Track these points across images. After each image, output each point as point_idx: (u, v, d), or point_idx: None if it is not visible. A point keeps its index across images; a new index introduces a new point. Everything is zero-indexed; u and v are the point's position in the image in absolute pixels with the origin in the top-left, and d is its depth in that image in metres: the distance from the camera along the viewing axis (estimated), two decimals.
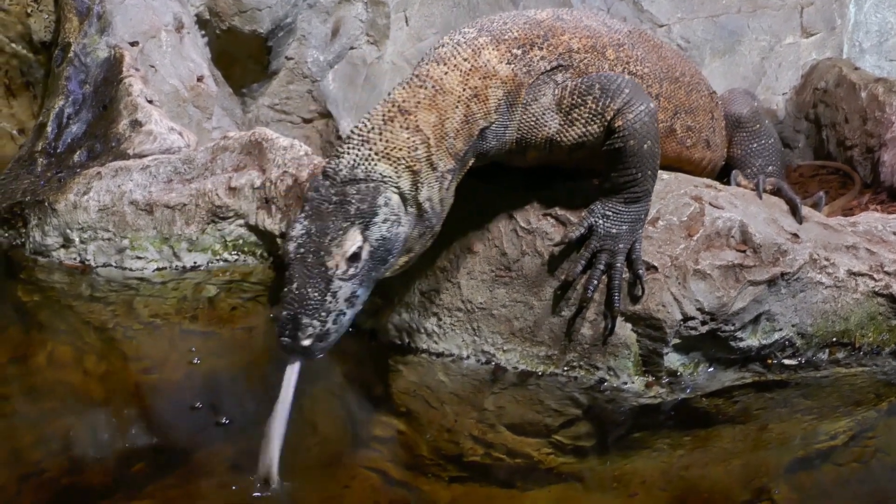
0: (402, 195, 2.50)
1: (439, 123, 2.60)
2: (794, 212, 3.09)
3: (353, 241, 2.38)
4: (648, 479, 2.38)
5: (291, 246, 2.41)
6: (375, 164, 2.48)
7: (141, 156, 3.97)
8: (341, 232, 2.38)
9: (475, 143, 2.71)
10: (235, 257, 3.78)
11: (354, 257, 2.38)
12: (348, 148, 2.52)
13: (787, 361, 2.88)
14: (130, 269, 3.69)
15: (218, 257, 3.77)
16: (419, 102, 2.60)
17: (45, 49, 4.97)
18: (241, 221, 3.76)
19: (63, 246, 3.77)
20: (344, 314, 2.39)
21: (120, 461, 2.44)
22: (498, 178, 3.03)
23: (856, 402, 2.71)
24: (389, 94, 2.66)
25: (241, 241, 3.78)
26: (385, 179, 2.47)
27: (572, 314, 2.81)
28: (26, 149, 4.35)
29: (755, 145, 3.76)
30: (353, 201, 2.42)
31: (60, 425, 2.59)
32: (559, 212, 2.91)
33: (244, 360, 3.06)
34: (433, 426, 2.64)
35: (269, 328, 3.26)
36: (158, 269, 3.70)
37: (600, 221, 2.78)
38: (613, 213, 2.79)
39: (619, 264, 2.74)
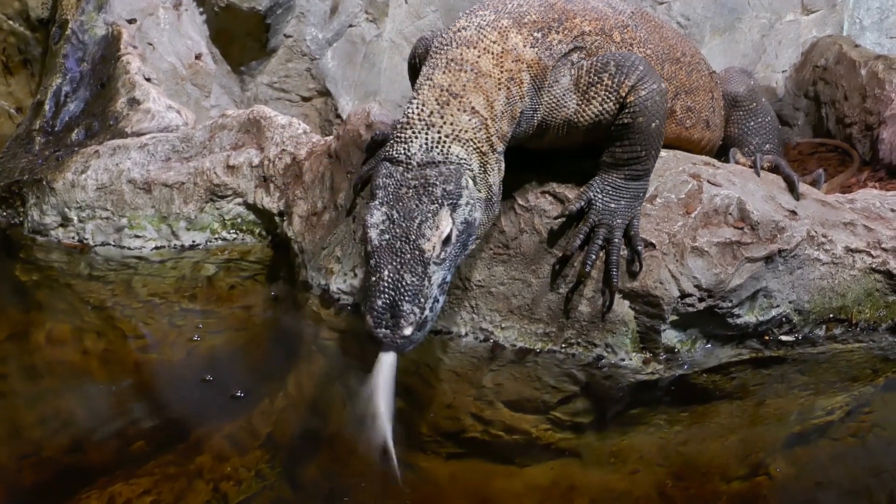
0: (474, 178, 2.47)
1: (488, 105, 2.58)
2: (792, 188, 3.09)
3: (448, 222, 2.33)
4: (646, 455, 2.40)
5: (373, 233, 2.32)
6: (450, 147, 2.44)
7: (139, 134, 3.97)
8: (431, 214, 2.32)
9: (514, 126, 2.70)
10: (234, 236, 3.78)
11: (447, 240, 2.33)
12: (413, 133, 2.46)
13: (784, 338, 2.88)
14: (129, 248, 3.70)
15: (216, 236, 3.77)
16: (465, 86, 2.58)
17: (43, 26, 4.94)
18: (240, 200, 3.76)
19: (61, 225, 3.78)
20: (438, 301, 2.32)
21: (119, 439, 2.45)
22: None
23: (852, 377, 2.72)
24: (428, 80, 2.61)
25: (239, 220, 3.78)
26: (461, 161, 2.44)
27: (570, 291, 2.81)
28: (24, 127, 4.34)
29: (752, 123, 3.76)
30: (438, 183, 2.37)
31: (60, 404, 2.60)
32: (557, 189, 2.91)
33: (243, 339, 3.06)
34: (432, 403, 2.65)
35: (267, 306, 3.27)
36: (157, 248, 3.70)
37: (599, 196, 2.79)
38: (613, 188, 2.79)
39: (616, 240, 2.74)
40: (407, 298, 2.21)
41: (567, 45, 2.85)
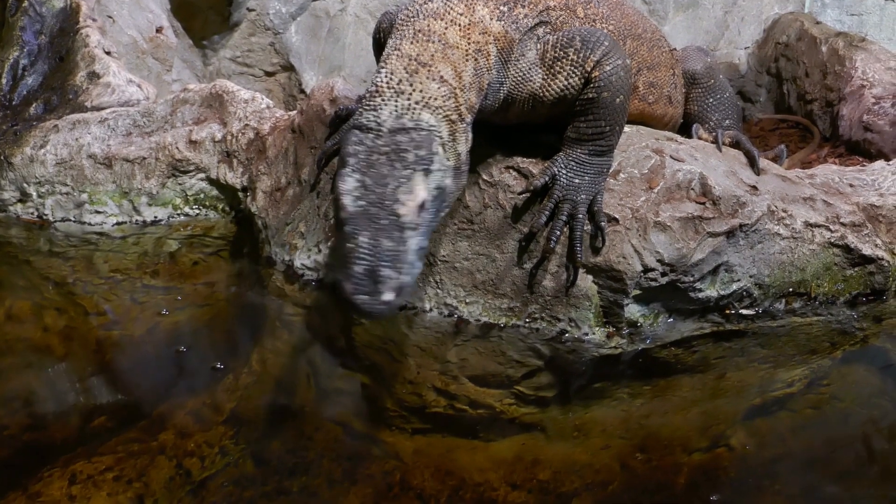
0: (443, 146, 2.46)
1: (457, 76, 2.57)
2: (752, 163, 3.13)
3: (423, 187, 2.32)
4: (609, 428, 2.42)
5: (348, 200, 2.29)
6: (420, 114, 2.43)
7: (99, 108, 3.92)
8: (405, 180, 2.30)
9: (481, 98, 2.70)
10: (197, 211, 3.75)
11: (423, 205, 2.32)
12: (382, 101, 2.45)
13: (744, 311, 2.92)
14: (90, 224, 3.65)
15: (179, 212, 3.74)
16: (433, 55, 2.57)
17: None
18: (203, 175, 3.73)
19: (20, 200, 3.72)
20: (415, 267, 2.30)
21: (81, 416, 2.43)
22: None
23: (811, 350, 2.75)
24: (396, 50, 2.59)
25: (202, 196, 3.75)
26: (432, 128, 2.43)
27: (534, 266, 2.82)
28: None
29: (711, 100, 3.81)
30: (410, 149, 2.35)
31: (20, 382, 2.58)
32: (521, 164, 2.91)
33: (207, 315, 3.05)
34: (396, 378, 2.65)
35: (231, 282, 3.25)
36: (118, 224, 3.67)
37: (563, 171, 2.80)
38: (577, 163, 2.80)
39: (580, 215, 2.75)
40: (386, 263, 2.20)
41: (533, 19, 2.84)
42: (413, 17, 2.70)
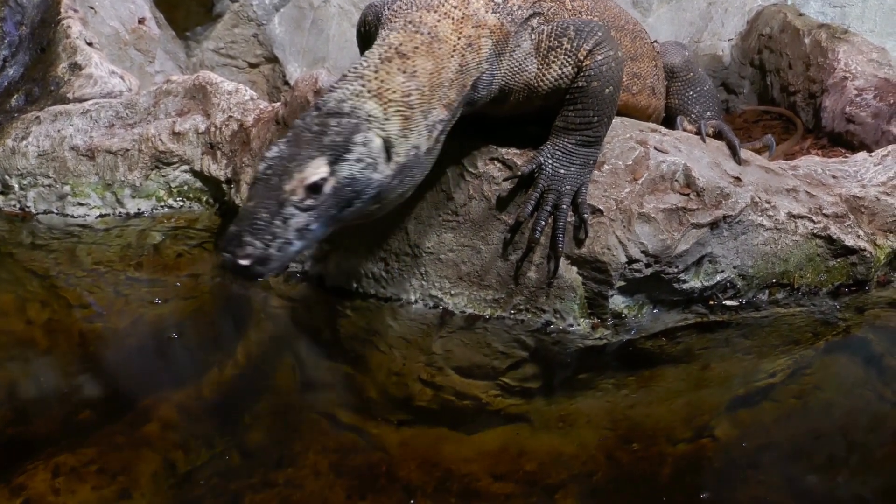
0: (387, 139, 2.44)
1: (436, 71, 2.57)
2: (734, 153, 3.13)
3: (317, 170, 2.30)
4: (594, 419, 2.43)
5: (261, 166, 2.34)
6: (365, 102, 2.44)
7: (81, 100, 3.89)
8: (308, 159, 2.31)
9: (468, 93, 2.70)
10: (180, 203, 3.73)
11: (315, 188, 2.30)
12: (342, 83, 2.49)
13: (728, 302, 2.93)
14: (72, 216, 3.63)
15: (162, 203, 3.72)
16: (417, 48, 2.57)
17: None
18: (186, 167, 3.71)
19: (2, 193, 3.70)
20: (291, 244, 2.30)
21: (65, 410, 2.42)
22: None
23: (794, 341, 2.77)
24: (384, 37, 2.61)
25: (186, 188, 3.73)
26: (370, 119, 2.42)
27: (519, 258, 2.83)
28: None
29: (691, 93, 3.84)
30: (330, 133, 2.36)
31: (3, 375, 2.57)
32: (507, 156, 2.91)
33: (191, 307, 3.04)
34: (381, 370, 2.66)
35: (215, 274, 3.24)
36: (101, 216, 3.64)
37: (550, 161, 2.80)
38: (564, 153, 2.80)
39: (564, 206, 2.75)
40: (250, 231, 2.24)
41: (527, 11, 2.85)
42: (406, 8, 2.71)
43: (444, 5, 2.70)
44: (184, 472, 2.17)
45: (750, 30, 5.37)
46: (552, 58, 2.81)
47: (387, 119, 2.44)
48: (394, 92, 2.47)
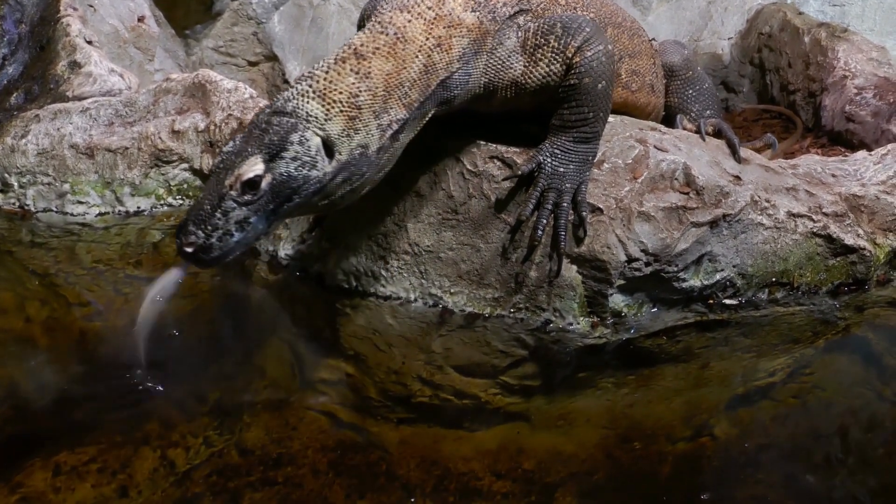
0: (327, 139, 2.48)
1: (395, 72, 2.58)
2: (734, 151, 3.13)
3: (252, 167, 2.39)
4: (593, 418, 2.43)
5: (217, 160, 2.47)
6: (308, 102, 2.48)
7: (80, 98, 3.89)
8: (248, 156, 2.41)
9: (435, 92, 2.70)
10: (180, 202, 3.73)
11: (252, 184, 2.39)
12: (296, 83, 2.54)
13: (727, 301, 2.93)
14: (72, 215, 3.63)
15: (162, 202, 3.72)
16: (377, 49, 2.59)
17: None
18: (186, 165, 3.71)
19: (1, 191, 3.70)
20: (231, 235, 2.40)
21: (65, 408, 2.42)
22: (445, 122, 3.02)
23: (794, 340, 2.77)
24: (349, 38, 2.65)
25: (185, 186, 3.73)
26: (310, 119, 2.47)
27: (519, 256, 2.83)
28: None
29: (691, 91, 3.84)
30: (269, 132, 2.44)
31: (3, 373, 2.56)
32: (506, 154, 2.91)
33: (191, 305, 3.03)
34: (381, 369, 2.65)
35: (215, 272, 3.23)
36: (101, 215, 3.64)
37: (548, 160, 2.79)
38: (562, 151, 2.80)
39: (565, 204, 2.75)
40: (194, 221, 2.38)
41: (512, 8, 2.84)
42: (383, 8, 2.73)
43: (418, 6, 2.70)
44: (183, 470, 2.17)
45: (749, 28, 5.37)
46: (539, 55, 2.80)
47: (328, 119, 2.48)
48: (340, 93, 2.50)
